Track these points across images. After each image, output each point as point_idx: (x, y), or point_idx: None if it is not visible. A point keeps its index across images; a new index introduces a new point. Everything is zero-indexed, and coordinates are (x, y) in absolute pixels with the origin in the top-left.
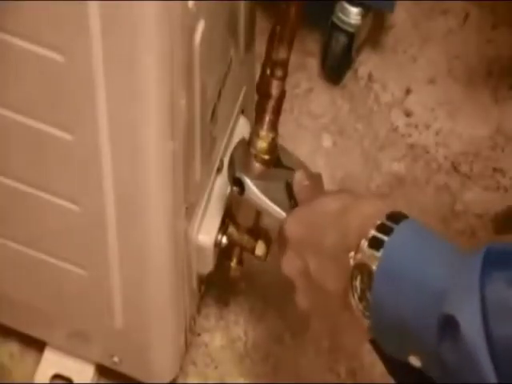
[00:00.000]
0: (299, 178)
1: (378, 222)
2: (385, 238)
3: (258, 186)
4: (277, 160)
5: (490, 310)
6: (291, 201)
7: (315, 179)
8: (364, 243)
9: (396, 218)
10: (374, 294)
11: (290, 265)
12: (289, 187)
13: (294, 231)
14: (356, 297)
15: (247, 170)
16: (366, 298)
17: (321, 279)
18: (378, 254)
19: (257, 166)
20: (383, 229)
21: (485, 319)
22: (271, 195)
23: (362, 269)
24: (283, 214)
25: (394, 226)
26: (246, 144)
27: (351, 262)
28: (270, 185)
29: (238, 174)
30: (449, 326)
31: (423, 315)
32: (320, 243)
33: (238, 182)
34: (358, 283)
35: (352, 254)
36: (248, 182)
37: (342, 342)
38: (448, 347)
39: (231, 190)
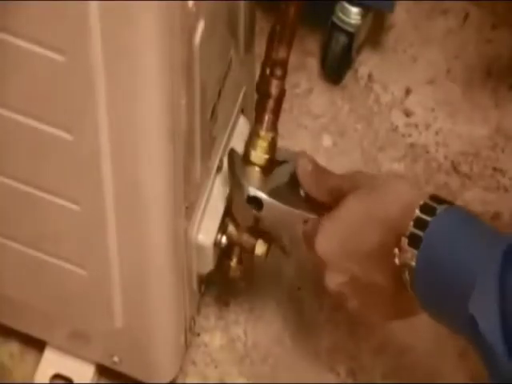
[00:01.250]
0: (302, 166)
1: (417, 213)
2: (420, 233)
3: (273, 197)
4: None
5: (510, 306)
6: (300, 192)
7: (315, 162)
8: (404, 241)
9: (427, 209)
10: (416, 290)
11: (335, 282)
12: (292, 179)
13: (328, 249)
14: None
15: (250, 180)
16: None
17: (371, 280)
18: (417, 252)
19: (256, 172)
20: (418, 224)
21: (503, 315)
22: (286, 199)
23: (404, 267)
24: (305, 214)
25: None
26: (239, 156)
27: (396, 261)
28: (279, 188)
29: (252, 193)
30: (470, 324)
31: (455, 314)
32: (359, 251)
33: (253, 201)
34: (406, 276)
35: (396, 251)
36: (265, 198)
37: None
38: (474, 343)
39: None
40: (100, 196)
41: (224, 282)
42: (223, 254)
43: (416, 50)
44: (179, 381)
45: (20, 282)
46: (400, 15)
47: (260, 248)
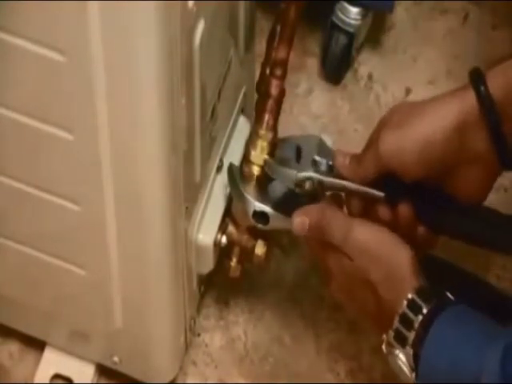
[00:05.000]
0: (339, 163)
1: (403, 309)
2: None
3: (278, 210)
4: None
5: None
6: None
7: (349, 154)
8: (390, 334)
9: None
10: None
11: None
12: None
13: (339, 296)
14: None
15: (253, 193)
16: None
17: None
18: (403, 350)
19: (256, 185)
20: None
21: None
22: (290, 210)
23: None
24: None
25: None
26: (238, 170)
27: (383, 347)
28: (281, 199)
29: (258, 208)
30: None
31: None
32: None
33: (259, 215)
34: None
35: (384, 337)
36: (271, 212)
37: None
38: None
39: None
40: (100, 196)
41: (224, 282)
42: (223, 253)
43: (416, 50)
44: (179, 381)
45: (20, 282)
46: (400, 15)
47: (260, 248)
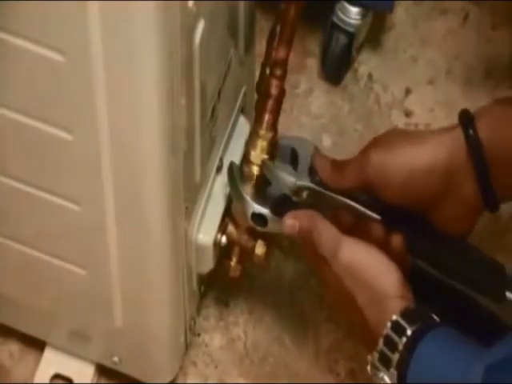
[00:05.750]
0: (320, 167)
1: (386, 333)
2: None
3: (277, 213)
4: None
5: None
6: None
7: (331, 159)
8: (375, 356)
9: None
10: None
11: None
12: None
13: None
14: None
15: (252, 194)
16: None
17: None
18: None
19: (254, 186)
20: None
21: None
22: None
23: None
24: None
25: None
26: (239, 169)
27: (368, 368)
28: (280, 200)
29: (256, 210)
30: None
31: None
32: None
33: (257, 217)
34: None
35: (369, 358)
36: (270, 215)
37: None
38: None
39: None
40: (100, 196)
41: (224, 283)
42: (223, 253)
43: (416, 50)
44: (179, 381)
45: (20, 282)
46: (400, 15)
47: (260, 248)
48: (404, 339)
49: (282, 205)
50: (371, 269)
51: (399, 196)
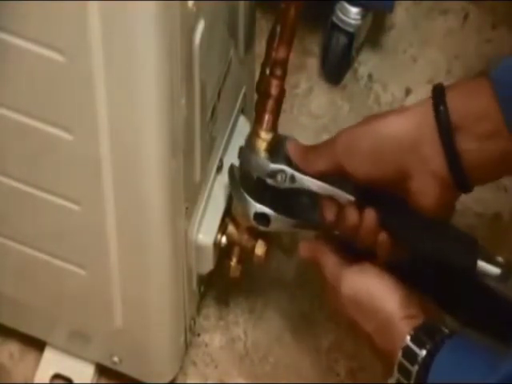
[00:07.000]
0: (292, 151)
1: (399, 361)
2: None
3: (279, 211)
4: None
5: None
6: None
7: (297, 141)
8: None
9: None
10: None
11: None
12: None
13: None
14: None
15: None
16: None
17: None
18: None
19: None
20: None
21: None
22: (291, 212)
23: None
24: (316, 221)
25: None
26: (239, 171)
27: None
28: (281, 200)
29: (259, 210)
30: None
31: None
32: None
33: (260, 216)
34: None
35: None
36: (273, 213)
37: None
38: None
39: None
40: (100, 196)
41: (224, 283)
42: (223, 253)
43: (416, 50)
44: (179, 381)
45: (20, 282)
46: (400, 15)
47: (260, 248)
48: (416, 367)
49: (289, 202)
50: (373, 297)
51: (368, 171)
